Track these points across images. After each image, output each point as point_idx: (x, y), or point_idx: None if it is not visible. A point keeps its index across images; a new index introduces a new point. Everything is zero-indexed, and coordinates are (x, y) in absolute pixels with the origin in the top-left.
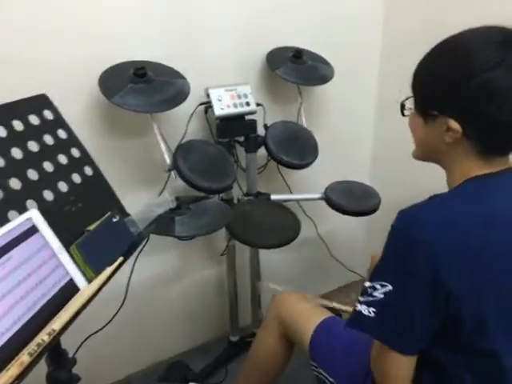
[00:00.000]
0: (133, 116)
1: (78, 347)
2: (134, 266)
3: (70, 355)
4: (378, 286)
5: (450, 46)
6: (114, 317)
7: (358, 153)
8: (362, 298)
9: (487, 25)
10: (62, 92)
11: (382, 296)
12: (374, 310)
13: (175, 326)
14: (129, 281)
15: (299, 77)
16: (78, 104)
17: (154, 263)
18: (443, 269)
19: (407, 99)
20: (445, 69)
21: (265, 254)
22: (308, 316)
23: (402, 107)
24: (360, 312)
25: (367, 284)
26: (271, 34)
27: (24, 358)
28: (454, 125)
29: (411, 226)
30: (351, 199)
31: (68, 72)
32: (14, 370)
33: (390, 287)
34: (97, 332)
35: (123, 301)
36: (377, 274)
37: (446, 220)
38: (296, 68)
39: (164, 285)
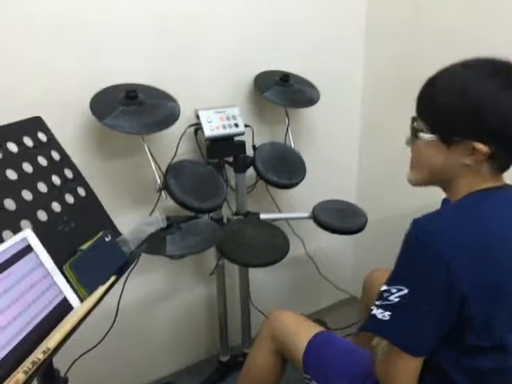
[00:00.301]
0: (124, 137)
1: (70, 366)
2: (124, 285)
3: (62, 374)
4: (393, 290)
5: (460, 80)
6: (104, 336)
7: (344, 172)
8: (377, 302)
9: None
10: (53, 114)
11: (397, 300)
12: (388, 313)
13: (165, 346)
14: (119, 300)
15: (286, 99)
16: (69, 126)
17: (144, 283)
18: (457, 273)
19: (416, 122)
20: (470, 101)
21: (254, 273)
22: (300, 331)
23: (416, 131)
24: (375, 316)
25: (383, 288)
26: (259, 58)
27: (19, 375)
28: (482, 148)
29: (425, 233)
30: (338, 218)
31: (60, 94)
32: None
33: (405, 291)
34: (88, 351)
35: (114, 320)
36: (393, 278)
37: (456, 229)
38: (283, 91)
39: (154, 304)
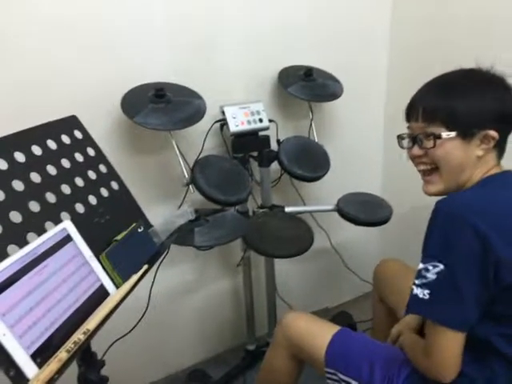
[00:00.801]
0: (153, 134)
1: (105, 351)
2: (155, 275)
3: (99, 358)
4: (430, 267)
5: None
6: (136, 324)
7: (369, 165)
8: (416, 281)
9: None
10: (86, 113)
11: (434, 277)
12: (427, 291)
13: (194, 335)
14: (150, 290)
15: (310, 94)
16: (101, 123)
17: (173, 274)
18: (487, 237)
19: (430, 129)
20: (479, 95)
21: (280, 265)
22: (318, 333)
23: (438, 137)
24: (416, 295)
25: (420, 266)
26: (282, 53)
27: (62, 354)
28: (493, 134)
29: (454, 206)
30: (363, 210)
31: (92, 94)
32: (53, 365)
33: (441, 266)
34: (122, 337)
35: (145, 309)
36: (427, 255)
37: (480, 200)
38: (307, 86)
39: (183, 295)
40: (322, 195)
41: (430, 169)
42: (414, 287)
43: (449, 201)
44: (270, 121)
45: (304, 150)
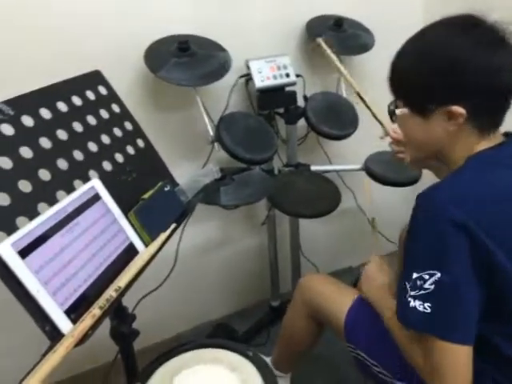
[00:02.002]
0: (176, 89)
1: (136, 305)
2: (182, 233)
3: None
4: (426, 276)
5: (423, 44)
6: (165, 279)
7: None
8: (413, 293)
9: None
10: (108, 67)
11: (433, 287)
12: (428, 305)
13: (219, 290)
14: (178, 247)
15: (340, 46)
16: (123, 78)
17: (199, 231)
18: (473, 230)
19: (392, 103)
20: (431, 65)
21: (304, 224)
22: (337, 298)
23: (392, 113)
24: (414, 308)
25: (414, 275)
26: (310, 2)
27: (95, 311)
28: (458, 109)
29: (432, 201)
30: (391, 170)
31: (115, 48)
32: (87, 321)
33: (438, 274)
34: (151, 292)
35: (173, 265)
36: (419, 262)
37: (460, 190)
38: (336, 37)
39: (209, 252)
40: (349, 154)
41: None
42: (410, 299)
43: (424, 197)
44: (297, 75)
45: (332, 107)
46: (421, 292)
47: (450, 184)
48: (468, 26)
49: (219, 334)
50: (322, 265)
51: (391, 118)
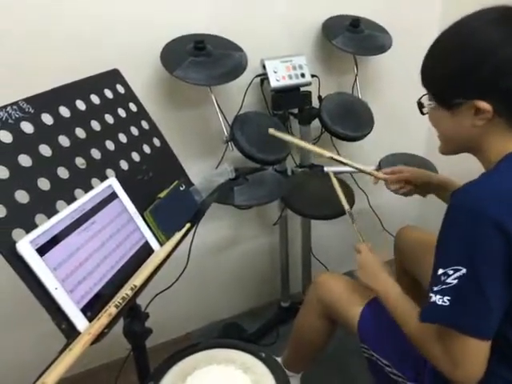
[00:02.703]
0: (192, 88)
1: (148, 303)
2: (195, 232)
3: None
4: (450, 272)
5: (454, 35)
6: (178, 278)
7: (414, 125)
8: (435, 288)
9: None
10: (125, 66)
11: (455, 281)
12: (448, 298)
13: (230, 290)
14: (190, 246)
15: (356, 47)
16: (139, 77)
17: (212, 230)
18: None
19: (423, 96)
20: (459, 57)
21: (316, 224)
22: (352, 298)
23: (421, 106)
24: (434, 303)
25: (440, 271)
26: (327, 1)
27: (111, 309)
28: (484, 105)
29: (470, 200)
30: None
31: (130, 47)
32: (103, 319)
33: (463, 270)
34: (165, 290)
35: (186, 263)
36: (447, 258)
37: (504, 192)
38: (353, 37)
39: (220, 251)
40: (363, 155)
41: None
42: (432, 294)
43: (464, 193)
44: (313, 76)
45: (347, 108)
46: (442, 287)
47: (489, 183)
48: (504, 19)
49: (229, 334)
50: (332, 266)
51: (420, 110)
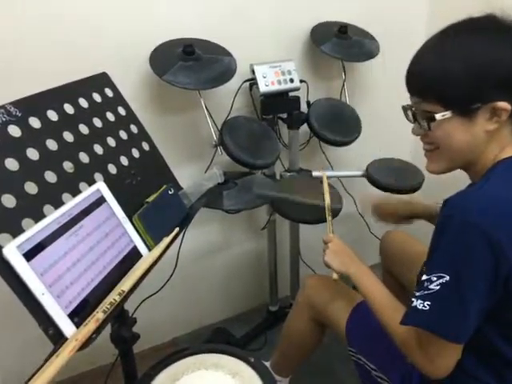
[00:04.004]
0: (181, 92)
1: (136, 308)
2: (183, 236)
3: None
4: (433, 278)
5: (464, 34)
6: (166, 282)
7: (400, 130)
8: (417, 293)
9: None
10: (113, 70)
11: (437, 288)
12: (428, 303)
13: (218, 294)
14: (179, 250)
15: (344, 53)
16: (128, 81)
17: (200, 234)
18: (504, 250)
19: (417, 106)
20: (477, 57)
21: (304, 228)
22: (340, 301)
23: (431, 120)
24: (415, 307)
25: (424, 277)
26: (315, 8)
27: (99, 315)
28: (504, 105)
29: (470, 213)
30: (393, 177)
31: (119, 51)
32: (91, 325)
33: (446, 278)
34: (153, 295)
35: (174, 268)
36: (433, 265)
37: (495, 202)
38: (341, 44)
39: (208, 255)
40: (350, 160)
41: (434, 148)
42: (414, 299)
43: (464, 205)
44: (301, 81)
45: (335, 113)
46: (424, 292)
47: (480, 193)
48: (496, 26)
49: (217, 339)
50: (320, 270)
51: (428, 125)
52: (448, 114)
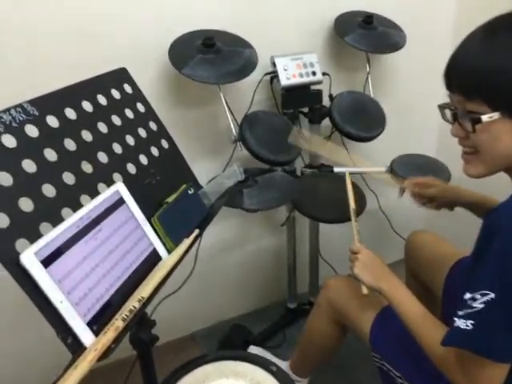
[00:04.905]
0: (200, 86)
1: (154, 309)
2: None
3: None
4: (477, 296)
5: None
6: (185, 281)
7: (426, 125)
8: (460, 312)
9: None
10: (131, 64)
11: (481, 306)
12: (471, 322)
13: (237, 290)
14: (198, 248)
15: (369, 44)
16: (146, 75)
17: (217, 231)
18: None
19: (456, 108)
20: None
21: (324, 226)
22: (364, 305)
23: (476, 122)
24: (458, 327)
25: (467, 296)
26: None
27: (118, 323)
28: None
29: (509, 224)
30: (418, 174)
31: (138, 44)
32: (110, 334)
33: (491, 295)
34: (170, 295)
35: (193, 267)
36: (477, 283)
37: None
38: (366, 35)
39: (227, 251)
40: (374, 155)
41: (474, 151)
42: (456, 319)
43: (499, 215)
44: (324, 74)
45: (358, 107)
46: (468, 311)
47: None
48: None
49: (235, 336)
50: (340, 267)
51: (473, 127)
52: (496, 115)
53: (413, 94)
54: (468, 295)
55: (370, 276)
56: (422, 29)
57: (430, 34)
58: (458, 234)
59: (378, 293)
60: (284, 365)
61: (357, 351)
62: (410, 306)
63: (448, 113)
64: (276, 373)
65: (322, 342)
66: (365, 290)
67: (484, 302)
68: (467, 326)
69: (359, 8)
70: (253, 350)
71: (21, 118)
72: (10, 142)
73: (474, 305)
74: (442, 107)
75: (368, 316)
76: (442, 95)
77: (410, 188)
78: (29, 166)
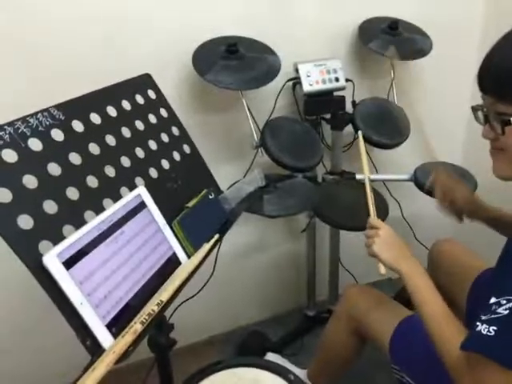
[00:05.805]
0: (222, 92)
1: (173, 312)
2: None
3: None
4: (503, 302)
5: None
6: (204, 285)
7: (451, 133)
8: (484, 317)
9: None
10: (155, 70)
11: (506, 312)
12: (494, 328)
13: (255, 296)
14: (217, 253)
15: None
16: (170, 80)
17: (237, 236)
18: None
19: (489, 110)
20: None
21: (345, 233)
22: (384, 315)
23: (507, 124)
24: (479, 332)
25: (492, 300)
26: (364, 3)
27: (137, 326)
28: None
29: None
30: None
31: (162, 50)
32: (128, 337)
33: None
34: (188, 299)
35: (212, 272)
36: (502, 288)
37: None
38: (391, 41)
39: (246, 256)
40: (396, 163)
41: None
42: (479, 323)
43: None
44: (347, 80)
45: (382, 114)
46: (491, 316)
47: None
48: None
49: (252, 342)
50: (360, 275)
51: (502, 129)
52: None
53: (438, 102)
54: (493, 299)
55: (389, 255)
56: (448, 35)
57: (456, 40)
58: (484, 243)
59: (397, 274)
60: (302, 373)
61: (374, 361)
62: (429, 296)
63: (480, 114)
64: (294, 382)
65: (339, 352)
66: (382, 270)
67: (509, 308)
68: (489, 331)
69: (384, 14)
70: (270, 356)
71: (47, 123)
72: (36, 145)
73: (499, 310)
74: (474, 109)
75: (388, 327)
76: (469, 102)
77: (437, 187)
78: (54, 169)
